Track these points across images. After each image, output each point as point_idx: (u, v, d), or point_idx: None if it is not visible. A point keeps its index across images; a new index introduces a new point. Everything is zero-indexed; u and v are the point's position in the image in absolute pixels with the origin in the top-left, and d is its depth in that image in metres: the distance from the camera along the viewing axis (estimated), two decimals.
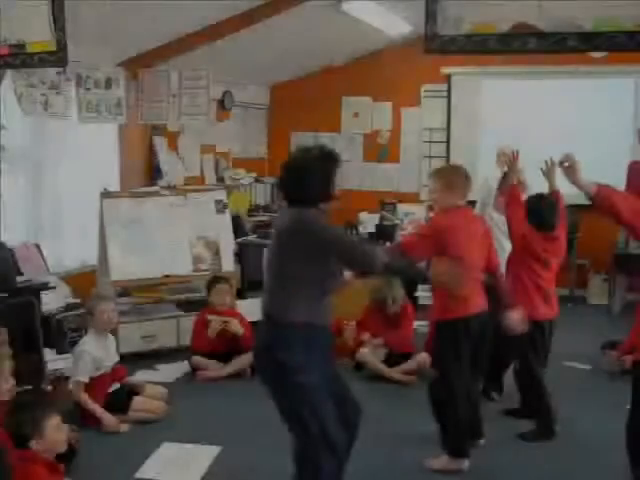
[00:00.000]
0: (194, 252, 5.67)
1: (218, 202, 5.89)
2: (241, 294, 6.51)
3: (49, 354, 4.70)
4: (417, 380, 4.88)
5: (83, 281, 5.84)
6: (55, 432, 3.13)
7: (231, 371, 5.02)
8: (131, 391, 4.34)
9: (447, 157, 8.02)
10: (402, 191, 8.17)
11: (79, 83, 5.59)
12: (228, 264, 5.78)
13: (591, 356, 5.41)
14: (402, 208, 7.12)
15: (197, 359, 5.03)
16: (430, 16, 2.88)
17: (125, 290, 5.66)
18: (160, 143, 6.80)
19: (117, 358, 4.41)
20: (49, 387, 4.33)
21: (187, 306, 5.68)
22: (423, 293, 6.02)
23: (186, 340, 5.30)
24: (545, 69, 7.34)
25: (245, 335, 5.01)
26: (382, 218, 6.79)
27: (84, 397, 4.11)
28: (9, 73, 4.81)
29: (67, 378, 4.43)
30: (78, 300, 5.33)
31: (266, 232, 6.46)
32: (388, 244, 5.97)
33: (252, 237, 6.87)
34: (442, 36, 2.87)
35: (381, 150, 8.40)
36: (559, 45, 2.73)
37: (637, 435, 2.94)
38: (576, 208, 6.60)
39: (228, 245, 5.86)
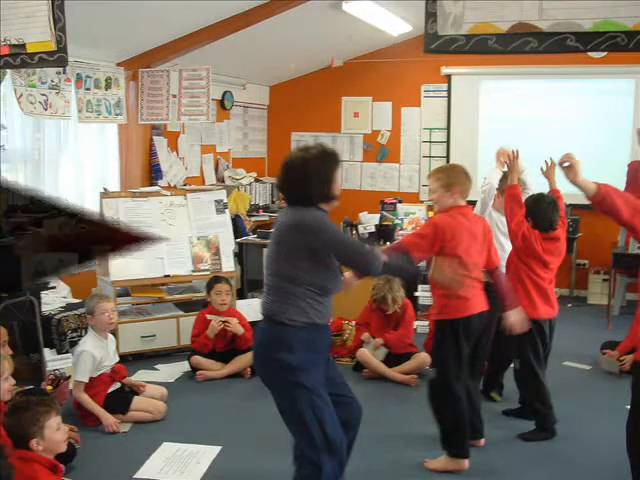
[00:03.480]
0: (194, 252, 5.67)
1: (218, 202, 5.89)
2: (241, 294, 6.52)
3: (49, 354, 4.70)
4: (417, 380, 4.88)
5: (83, 281, 5.84)
6: (55, 432, 3.13)
7: (231, 371, 5.02)
8: (131, 391, 4.34)
9: (447, 157, 8.02)
10: (402, 191, 8.18)
11: (79, 83, 5.59)
12: (228, 264, 5.78)
13: (591, 356, 5.41)
14: (402, 208, 7.11)
15: (197, 359, 5.02)
16: (430, 16, 2.88)
17: (125, 290, 5.66)
18: (160, 143, 6.80)
19: (117, 358, 4.41)
20: (49, 387, 4.33)
21: (187, 306, 5.69)
22: (423, 293, 6.01)
23: (186, 340, 5.30)
24: (545, 69, 7.36)
25: (245, 335, 5.02)
26: (382, 218, 6.77)
27: (84, 397, 4.11)
28: (9, 73, 4.81)
29: (67, 378, 4.44)
30: (78, 300, 5.34)
31: (266, 232, 6.45)
32: (388, 244, 5.97)
33: (252, 237, 6.87)
34: (442, 36, 2.87)
35: (381, 150, 8.40)
36: (559, 45, 2.72)
37: (637, 435, 2.93)
38: (576, 208, 6.66)
39: (228, 245, 5.86)
